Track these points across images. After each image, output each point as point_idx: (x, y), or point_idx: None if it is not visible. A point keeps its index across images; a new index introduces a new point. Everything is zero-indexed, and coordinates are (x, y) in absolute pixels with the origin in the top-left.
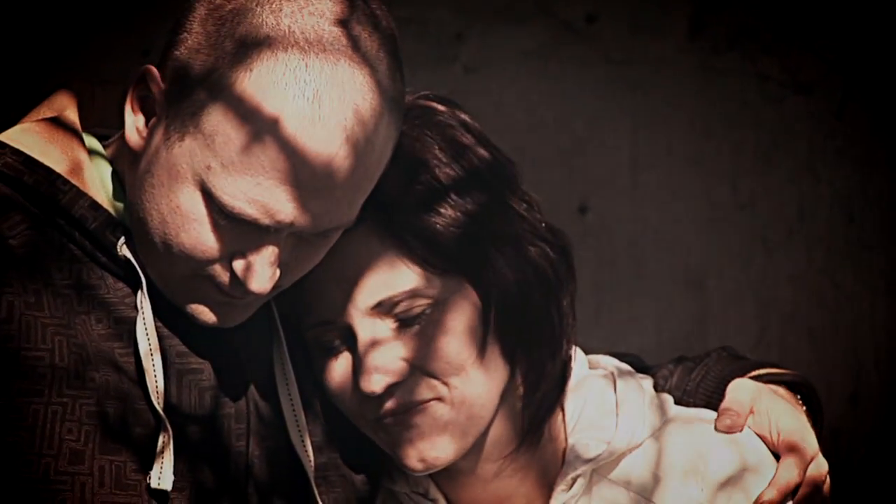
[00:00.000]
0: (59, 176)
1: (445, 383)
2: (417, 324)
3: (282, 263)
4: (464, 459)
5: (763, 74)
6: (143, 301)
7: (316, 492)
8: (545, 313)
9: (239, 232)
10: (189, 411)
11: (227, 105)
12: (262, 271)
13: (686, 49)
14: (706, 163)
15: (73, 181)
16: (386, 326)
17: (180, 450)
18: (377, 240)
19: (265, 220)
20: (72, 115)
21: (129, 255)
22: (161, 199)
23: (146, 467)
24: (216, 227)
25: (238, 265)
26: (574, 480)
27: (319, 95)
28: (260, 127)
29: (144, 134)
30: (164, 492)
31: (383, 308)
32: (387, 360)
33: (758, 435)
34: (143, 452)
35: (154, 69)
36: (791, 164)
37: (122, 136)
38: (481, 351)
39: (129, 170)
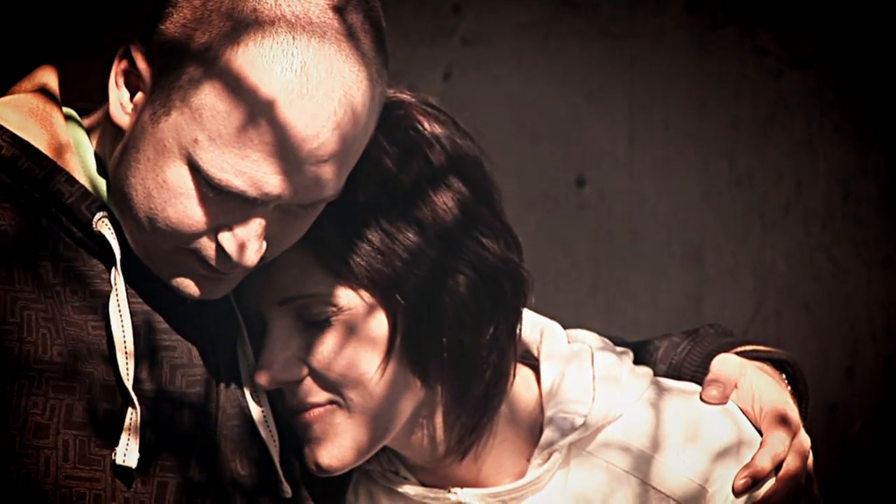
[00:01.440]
0: (36, 150)
1: (341, 394)
2: (323, 330)
3: (268, 236)
4: (403, 450)
5: (760, 49)
6: (117, 277)
7: (280, 470)
8: (459, 342)
9: (226, 205)
10: (159, 388)
11: (214, 79)
12: (249, 244)
13: (684, 23)
14: (703, 137)
15: (52, 156)
16: (294, 326)
17: (147, 426)
18: (299, 240)
19: (252, 193)
20: (53, 90)
21: (104, 231)
22: (147, 174)
23: (111, 443)
24: (203, 200)
25: (225, 238)
26: (550, 454)
27: (307, 68)
28: (247, 100)
29: (129, 110)
30: (129, 468)
31: (290, 307)
32: (283, 358)
33: (741, 409)
34: (108, 428)
35: (138, 45)
36: (788, 139)
37: (105, 112)
38: (383, 368)
39: (112, 145)
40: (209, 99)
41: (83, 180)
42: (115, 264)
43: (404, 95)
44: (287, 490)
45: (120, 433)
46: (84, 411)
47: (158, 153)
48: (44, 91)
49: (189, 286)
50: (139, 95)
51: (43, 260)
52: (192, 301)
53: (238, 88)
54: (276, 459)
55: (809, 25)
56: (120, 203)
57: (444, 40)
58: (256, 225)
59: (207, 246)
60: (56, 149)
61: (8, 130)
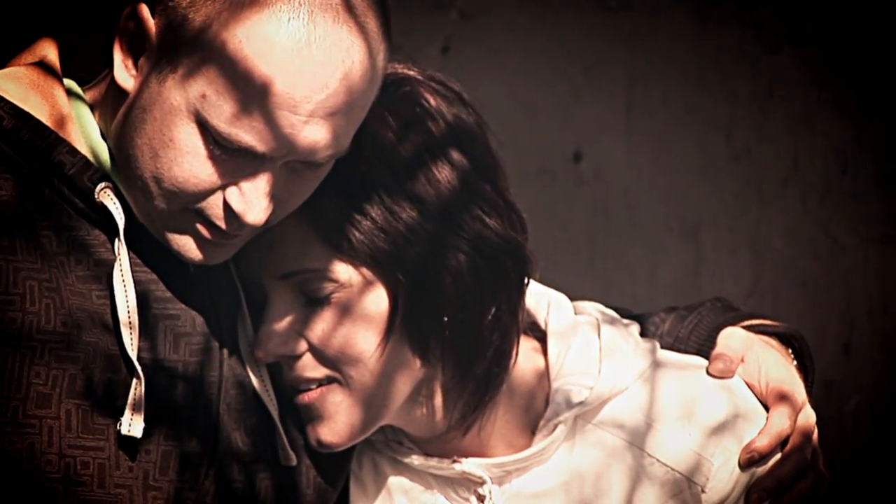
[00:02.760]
0: (37, 121)
1: (340, 371)
2: (323, 306)
3: (274, 196)
4: (406, 427)
5: (758, 24)
6: (121, 248)
7: (283, 437)
8: (461, 321)
9: (233, 163)
10: (162, 356)
11: (221, 34)
12: (257, 202)
13: None
14: (701, 112)
15: (53, 127)
16: (294, 300)
17: (151, 395)
18: (297, 217)
19: (261, 148)
20: (53, 61)
21: (106, 201)
22: (154, 135)
23: (114, 412)
24: (211, 158)
25: (233, 196)
26: (556, 426)
27: (314, 17)
28: (255, 51)
29: (133, 72)
30: (133, 438)
31: (292, 281)
32: (282, 331)
33: (747, 384)
34: (111, 397)
35: (143, 6)
36: (786, 115)
37: (106, 79)
38: (382, 346)
39: (114, 109)
40: (216, 53)
41: (85, 151)
42: (118, 234)
43: (411, 71)
44: (291, 457)
45: (124, 402)
46: (87, 381)
47: (165, 112)
48: (44, 63)
49: (192, 250)
50: (144, 57)
51: (46, 230)
52: (195, 270)
53: (246, 40)
54: (279, 426)
55: (807, 1)
56: (124, 167)
57: (443, 14)
58: (264, 182)
59: (214, 205)
60: (57, 120)
61: (9, 102)
